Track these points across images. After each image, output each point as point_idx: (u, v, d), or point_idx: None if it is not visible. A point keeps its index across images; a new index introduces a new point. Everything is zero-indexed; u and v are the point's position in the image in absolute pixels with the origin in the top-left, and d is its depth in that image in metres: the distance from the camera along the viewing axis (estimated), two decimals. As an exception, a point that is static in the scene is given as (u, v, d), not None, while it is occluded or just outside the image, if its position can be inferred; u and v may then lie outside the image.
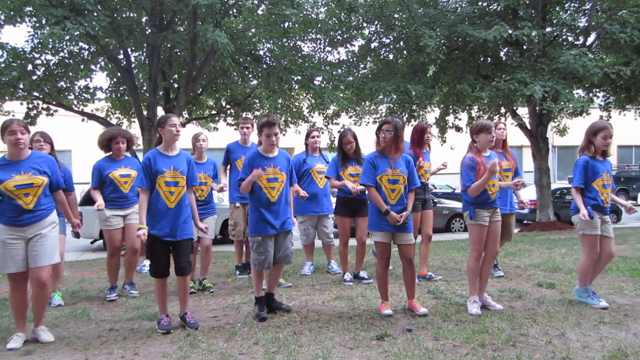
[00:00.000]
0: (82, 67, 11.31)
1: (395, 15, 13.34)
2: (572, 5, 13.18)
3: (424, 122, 5.95)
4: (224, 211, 6.33)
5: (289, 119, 14.05)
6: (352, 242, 5.89)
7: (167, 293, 4.26)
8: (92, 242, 11.60)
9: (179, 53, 11.80)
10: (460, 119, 15.13)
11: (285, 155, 4.59)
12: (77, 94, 11.82)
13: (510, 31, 11.22)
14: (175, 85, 12.48)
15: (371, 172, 4.38)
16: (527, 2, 12.22)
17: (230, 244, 6.86)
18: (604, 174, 4.56)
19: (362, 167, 5.54)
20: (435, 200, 11.59)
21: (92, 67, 11.82)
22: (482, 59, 13.30)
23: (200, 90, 13.05)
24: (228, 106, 13.87)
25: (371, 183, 4.37)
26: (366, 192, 5.61)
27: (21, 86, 10.43)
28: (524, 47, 12.53)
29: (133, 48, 11.43)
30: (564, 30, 12.84)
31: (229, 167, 6.22)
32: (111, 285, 5.52)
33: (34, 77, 10.57)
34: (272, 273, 4.65)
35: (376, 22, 13.47)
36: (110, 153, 5.49)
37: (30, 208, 3.84)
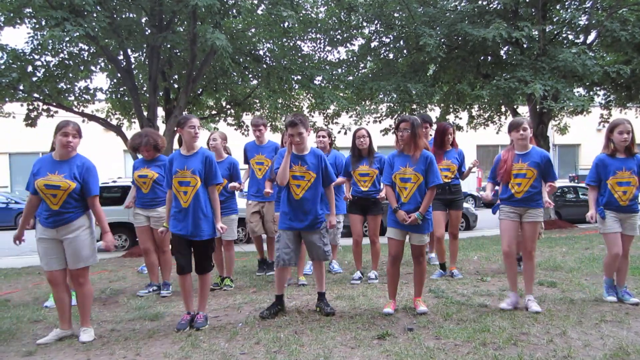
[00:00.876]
0: (82, 68, 11.31)
1: (395, 15, 13.34)
2: (573, 3, 13.17)
3: (446, 122, 5.96)
4: (241, 211, 6.46)
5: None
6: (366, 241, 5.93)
7: (190, 290, 4.28)
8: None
9: (178, 53, 11.79)
10: (460, 118, 15.13)
11: (317, 153, 4.53)
12: (77, 95, 11.82)
13: (511, 33, 11.20)
14: (176, 86, 12.47)
15: (389, 171, 4.43)
16: (527, 0, 12.21)
17: (236, 245, 6.97)
18: (620, 172, 4.51)
19: (374, 167, 5.66)
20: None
21: (92, 68, 11.81)
22: (482, 57, 13.30)
23: (201, 90, 13.05)
24: (228, 106, 13.87)
25: (387, 182, 4.46)
26: (373, 192, 5.70)
27: (21, 87, 10.42)
28: (524, 46, 12.52)
29: (133, 49, 11.41)
30: (564, 28, 12.83)
31: (247, 166, 6.41)
32: (149, 282, 5.74)
33: (34, 79, 10.57)
34: (314, 272, 4.74)
35: (376, 22, 13.46)
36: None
37: (57, 209, 3.87)
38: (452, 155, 5.93)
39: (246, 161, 6.42)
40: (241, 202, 6.72)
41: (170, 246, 5.46)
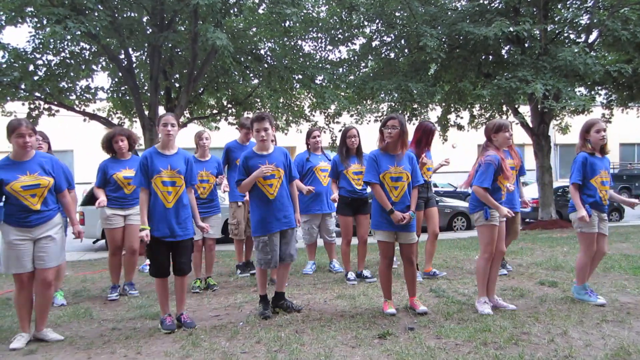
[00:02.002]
0: (83, 67, 11.32)
1: (397, 14, 13.34)
2: (574, 2, 13.15)
3: (430, 123, 5.89)
4: (224, 210, 6.34)
5: (291, 118, 14.05)
6: (355, 240, 5.89)
7: (168, 292, 4.25)
8: (94, 242, 11.61)
9: (180, 52, 11.80)
10: (461, 118, 15.12)
11: (282, 151, 4.54)
12: (78, 94, 11.83)
13: (511, 29, 11.19)
14: (177, 85, 12.49)
15: (374, 169, 4.31)
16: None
17: (232, 243, 6.89)
18: (602, 171, 4.53)
19: (365, 164, 5.59)
20: (437, 199, 11.57)
21: (94, 67, 11.83)
22: (483, 57, 13.28)
23: (202, 89, 13.06)
24: (229, 105, 13.88)
25: (375, 180, 4.30)
26: (366, 191, 5.68)
27: (23, 86, 10.44)
28: (526, 45, 12.50)
29: (134, 48, 11.43)
30: (566, 27, 12.81)
31: (227, 166, 6.23)
32: (112, 284, 5.53)
33: (36, 78, 10.58)
34: (279, 272, 4.65)
35: (377, 21, 13.45)
36: (115, 154, 5.51)
37: (38, 209, 3.83)
38: (428, 155, 5.79)
39: (226, 161, 6.20)
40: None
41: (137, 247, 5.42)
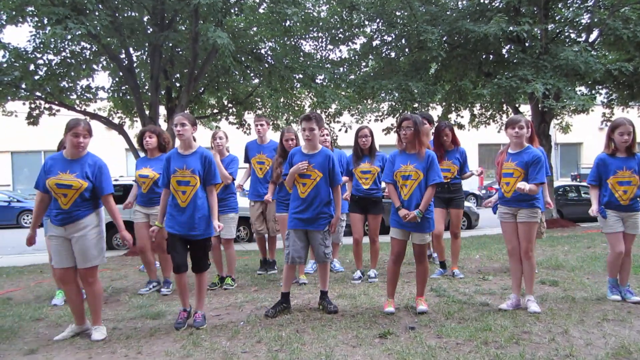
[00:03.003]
0: (84, 66, 11.30)
1: (397, 13, 13.32)
2: (575, 1, 13.13)
3: (443, 122, 5.94)
4: (241, 210, 6.46)
5: (291, 118, 14.05)
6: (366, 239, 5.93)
7: (186, 288, 4.30)
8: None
9: (180, 52, 11.79)
10: (462, 117, 15.11)
11: (326, 153, 4.54)
12: (79, 93, 11.81)
13: (511, 28, 11.17)
14: (177, 85, 12.47)
15: (390, 169, 4.45)
16: (529, -1, 12.20)
17: (238, 243, 6.98)
18: (620, 171, 4.53)
19: (376, 164, 5.66)
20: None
21: (94, 66, 11.81)
22: (483, 56, 13.27)
23: (202, 89, 13.05)
24: (230, 105, 13.87)
25: (388, 180, 4.47)
26: (374, 190, 5.70)
27: (23, 86, 10.42)
28: (526, 44, 12.49)
29: (135, 47, 11.41)
30: (566, 27, 12.80)
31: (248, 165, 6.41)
32: (149, 280, 5.75)
33: (36, 77, 10.56)
34: (318, 271, 4.76)
35: (378, 20, 13.44)
36: (146, 152, 5.72)
37: (66, 208, 3.87)
38: (454, 156, 5.88)
39: (247, 160, 6.40)
40: (242, 201, 6.72)
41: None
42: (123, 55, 11.11)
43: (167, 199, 4.26)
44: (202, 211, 4.20)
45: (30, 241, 4.07)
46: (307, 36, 13.31)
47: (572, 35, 13.24)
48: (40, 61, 10.58)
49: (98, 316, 4.07)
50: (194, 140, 4.35)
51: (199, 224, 4.18)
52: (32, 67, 10.43)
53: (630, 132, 4.47)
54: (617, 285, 4.71)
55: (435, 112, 15.19)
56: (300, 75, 12.33)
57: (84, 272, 3.97)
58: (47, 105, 11.50)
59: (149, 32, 10.68)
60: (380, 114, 14.31)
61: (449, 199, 5.89)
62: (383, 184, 5.14)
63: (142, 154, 5.89)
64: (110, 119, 13.03)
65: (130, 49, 11.16)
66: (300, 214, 4.46)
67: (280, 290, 4.64)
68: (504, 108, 14.71)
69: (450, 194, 5.88)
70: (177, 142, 4.40)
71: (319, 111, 13.55)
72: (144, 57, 12.01)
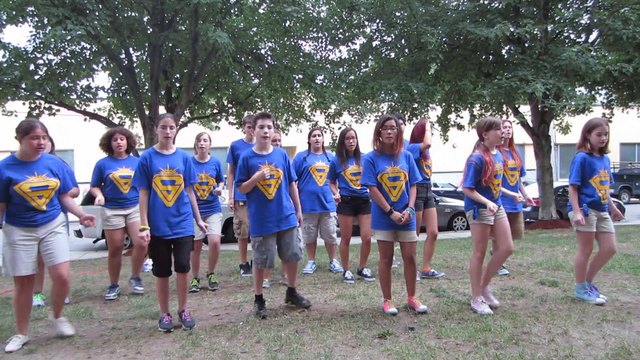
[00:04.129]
0: (84, 66, 11.30)
1: (397, 14, 13.32)
2: (575, 2, 13.13)
3: (424, 118, 5.94)
4: (225, 209, 6.36)
5: (291, 118, 14.05)
6: (355, 240, 5.90)
7: (168, 292, 4.27)
8: (94, 242, 11.64)
9: (180, 52, 11.79)
10: (462, 117, 15.10)
11: (281, 151, 4.58)
12: (79, 93, 11.82)
13: (512, 29, 11.18)
14: (177, 85, 12.47)
15: (371, 171, 4.33)
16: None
17: (233, 243, 6.92)
18: (602, 171, 4.55)
19: (362, 166, 5.59)
20: (437, 199, 11.58)
21: (94, 66, 11.81)
22: (483, 56, 13.28)
23: (202, 89, 13.04)
24: (230, 105, 13.86)
25: (372, 182, 4.33)
26: (366, 190, 5.68)
27: (23, 86, 10.43)
28: (526, 45, 12.49)
29: (135, 47, 11.41)
30: (566, 27, 12.80)
31: (233, 165, 6.26)
32: (111, 284, 5.55)
33: (36, 77, 10.57)
34: (288, 271, 4.73)
35: (377, 21, 13.44)
36: (112, 153, 5.52)
37: (44, 209, 3.85)
38: (428, 153, 5.82)
39: (232, 160, 6.15)
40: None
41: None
42: (123, 56, 11.12)
43: (148, 200, 4.14)
44: (187, 209, 4.24)
45: None
46: (306, 36, 13.31)
47: (572, 36, 13.24)
48: (40, 61, 10.59)
49: (61, 309, 4.12)
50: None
51: (183, 222, 4.18)
52: (32, 67, 10.43)
53: (607, 132, 4.49)
54: (590, 286, 4.68)
55: (435, 112, 15.20)
56: (300, 76, 12.33)
57: (61, 269, 3.88)
58: (47, 105, 11.51)
59: (148, 32, 10.68)
60: (380, 114, 14.32)
61: (426, 199, 5.83)
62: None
63: (104, 155, 5.57)
64: (110, 119, 13.03)
65: (130, 49, 11.16)
66: (274, 215, 4.39)
67: (255, 293, 4.59)
68: (504, 109, 14.70)
69: (428, 193, 5.84)
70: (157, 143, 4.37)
71: (318, 111, 13.58)
72: (144, 57, 12.01)
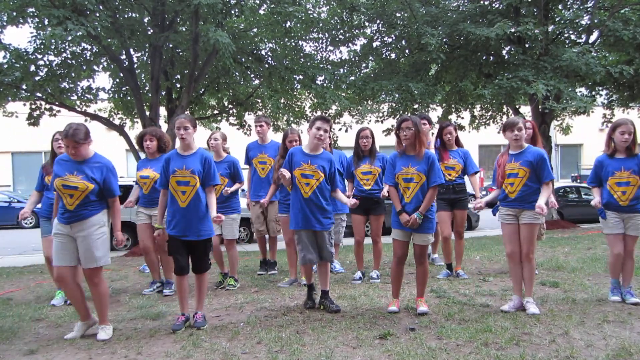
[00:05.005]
0: (84, 67, 11.31)
1: (397, 14, 13.33)
2: (575, 2, 13.14)
3: (446, 121, 5.96)
4: (245, 210, 6.47)
5: (292, 119, 14.05)
6: (368, 240, 5.93)
7: (186, 292, 4.28)
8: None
9: (181, 53, 11.80)
10: (462, 118, 15.10)
11: (328, 157, 4.59)
12: (79, 94, 11.83)
13: (512, 29, 11.18)
14: (178, 85, 12.47)
15: (390, 172, 4.44)
16: (529, 0, 12.19)
17: (238, 244, 7.00)
18: (619, 172, 4.52)
19: (376, 165, 5.66)
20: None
21: (95, 67, 11.81)
22: (484, 57, 13.28)
23: (203, 90, 13.05)
24: (230, 106, 13.87)
25: (390, 182, 4.46)
26: (376, 190, 5.69)
27: (24, 87, 10.43)
28: (527, 45, 12.49)
29: (135, 48, 11.42)
30: (567, 28, 12.81)
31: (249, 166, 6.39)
32: (152, 280, 5.75)
33: (37, 78, 10.57)
34: (319, 273, 4.75)
35: (378, 21, 13.45)
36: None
37: (72, 209, 3.90)
38: (457, 155, 5.93)
39: (247, 161, 6.36)
40: (242, 202, 6.70)
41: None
42: (123, 56, 11.12)
43: (166, 200, 4.25)
44: (202, 211, 4.20)
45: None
46: (307, 37, 13.32)
47: (572, 37, 13.24)
48: (41, 62, 10.59)
49: (104, 316, 4.07)
50: (194, 141, 4.36)
51: (199, 224, 4.17)
52: (32, 67, 10.44)
53: (631, 131, 4.46)
54: (619, 286, 4.70)
55: (436, 113, 15.20)
56: (301, 76, 12.33)
57: (88, 272, 3.98)
58: (47, 106, 11.52)
59: (149, 33, 10.68)
60: (380, 115, 14.31)
61: (454, 200, 5.91)
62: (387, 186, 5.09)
63: (142, 155, 5.88)
64: (111, 119, 13.04)
65: (131, 50, 11.17)
66: (307, 214, 4.50)
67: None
68: (504, 109, 14.71)
69: (456, 194, 5.90)
70: (177, 143, 4.40)
71: (319, 112, 13.57)
72: (145, 58, 12.02)
